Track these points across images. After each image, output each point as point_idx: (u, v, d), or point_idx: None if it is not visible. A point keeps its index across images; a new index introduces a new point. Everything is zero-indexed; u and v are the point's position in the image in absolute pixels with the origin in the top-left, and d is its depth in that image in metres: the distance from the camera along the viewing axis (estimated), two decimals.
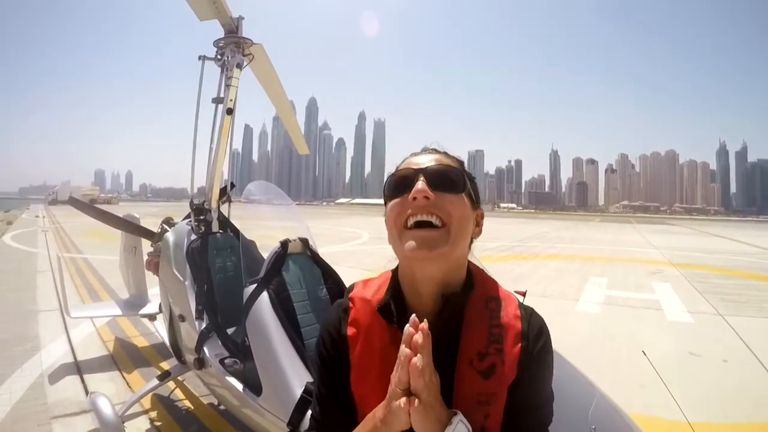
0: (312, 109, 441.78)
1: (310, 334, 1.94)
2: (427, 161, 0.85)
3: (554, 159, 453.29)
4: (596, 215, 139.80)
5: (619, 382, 3.68)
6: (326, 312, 2.04)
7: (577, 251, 15.21)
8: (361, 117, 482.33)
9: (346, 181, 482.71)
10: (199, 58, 2.90)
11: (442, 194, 0.80)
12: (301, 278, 2.08)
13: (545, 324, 0.86)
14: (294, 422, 1.52)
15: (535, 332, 0.83)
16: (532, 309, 0.87)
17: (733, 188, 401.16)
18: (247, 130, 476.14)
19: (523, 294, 1.80)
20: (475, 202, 0.88)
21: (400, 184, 0.83)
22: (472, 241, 0.89)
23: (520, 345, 0.80)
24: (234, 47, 2.81)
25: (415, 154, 0.89)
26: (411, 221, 0.79)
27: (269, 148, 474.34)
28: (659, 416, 3.02)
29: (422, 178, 0.80)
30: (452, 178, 0.82)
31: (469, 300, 0.84)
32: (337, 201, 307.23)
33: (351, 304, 0.90)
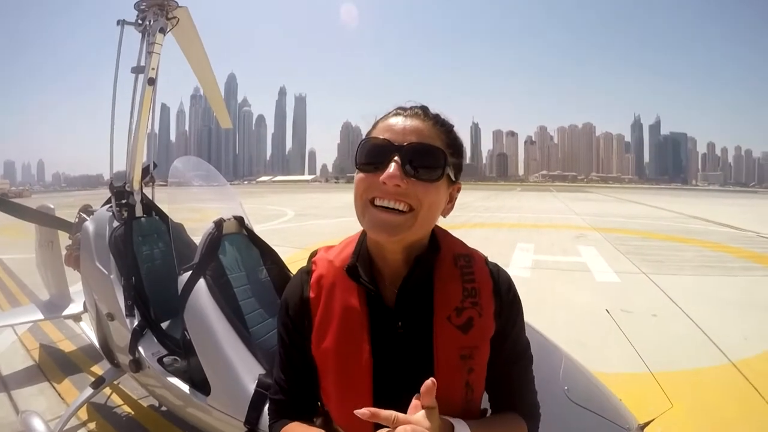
0: (231, 85, 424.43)
1: (254, 321, 1.81)
2: (409, 132, 0.74)
3: (475, 131, 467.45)
4: (517, 184, 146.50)
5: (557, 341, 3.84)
6: (268, 295, 1.94)
7: (502, 219, 15.79)
8: (282, 92, 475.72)
9: (267, 158, 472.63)
10: (118, 22, 2.58)
11: (417, 182, 0.73)
12: (239, 260, 1.93)
13: (510, 276, 0.89)
14: (252, 420, 1.39)
15: (505, 285, 0.86)
16: (496, 264, 0.90)
17: (646, 158, 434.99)
18: (164, 110, 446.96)
19: None
20: (454, 179, 0.81)
21: (373, 155, 0.75)
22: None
23: (494, 297, 0.83)
24: (157, 9, 2.52)
25: (398, 112, 0.79)
26: (377, 202, 0.74)
27: (187, 128, 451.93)
28: (620, 372, 3.22)
29: (397, 161, 0.72)
30: (432, 163, 0.74)
31: (437, 259, 0.83)
32: (258, 179, 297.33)
33: (314, 267, 0.88)
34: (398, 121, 0.76)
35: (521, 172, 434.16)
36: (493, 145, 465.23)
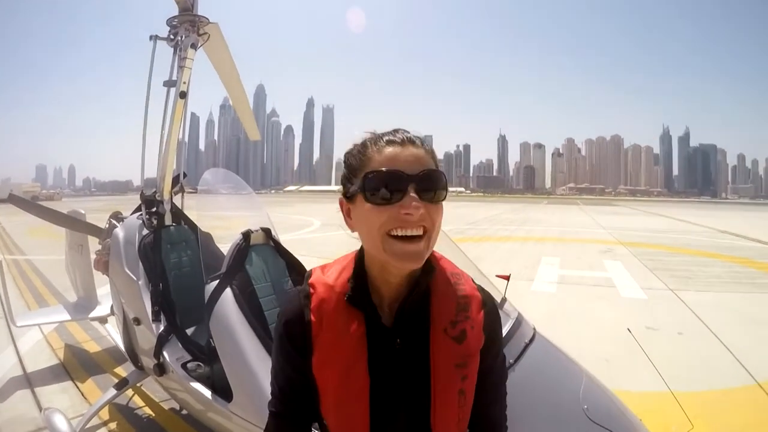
0: (260, 96, 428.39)
1: None
2: (413, 161, 0.77)
3: (502, 143, 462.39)
4: (544, 197, 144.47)
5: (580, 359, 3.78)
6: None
7: (528, 233, 15.68)
8: (310, 103, 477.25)
9: (295, 168, 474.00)
10: (151, 38, 2.67)
11: (430, 205, 0.76)
12: (265, 271, 1.97)
13: (491, 294, 0.96)
14: None
15: (489, 301, 0.92)
16: (479, 285, 0.94)
17: (675, 171, 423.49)
18: (194, 119, 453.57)
19: (507, 278, 1.78)
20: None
21: (388, 187, 0.75)
22: None
23: (482, 311, 0.88)
24: (189, 26, 2.60)
25: (391, 141, 0.80)
26: (398, 233, 0.75)
27: (216, 137, 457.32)
28: (641, 390, 3.16)
29: (413, 190, 0.75)
30: (440, 187, 0.78)
31: (433, 277, 0.87)
32: (285, 189, 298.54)
33: (312, 290, 0.88)
34: (398, 151, 0.78)
35: (548, 184, 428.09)
36: (520, 157, 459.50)
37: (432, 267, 0.87)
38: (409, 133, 0.82)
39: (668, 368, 3.62)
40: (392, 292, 0.85)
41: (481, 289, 0.92)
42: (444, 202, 0.80)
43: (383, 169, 0.77)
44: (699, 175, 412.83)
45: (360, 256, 0.87)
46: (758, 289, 6.82)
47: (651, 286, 6.94)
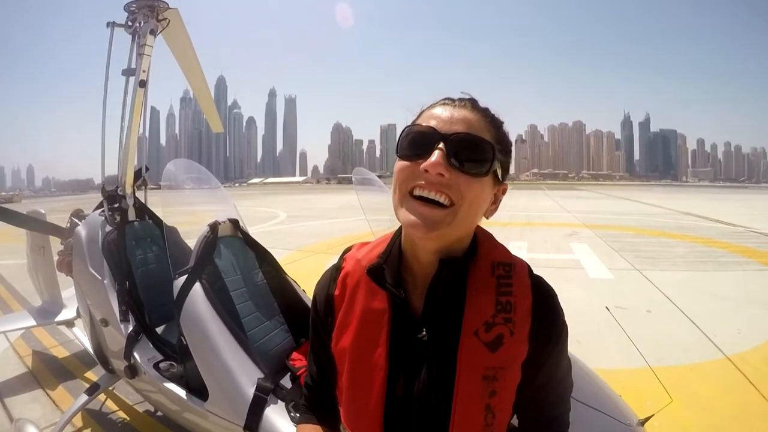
0: (221, 87, 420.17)
1: (251, 324, 1.80)
2: (456, 122, 0.70)
3: None
4: (508, 183, 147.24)
5: None
6: (265, 298, 1.93)
7: (494, 218, 15.68)
8: (272, 94, 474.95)
9: (258, 160, 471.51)
10: (108, 24, 2.54)
11: (461, 174, 0.68)
12: (234, 264, 1.92)
13: (555, 293, 0.80)
14: (251, 425, 1.40)
15: (547, 302, 0.77)
16: (540, 277, 0.80)
17: (636, 155, 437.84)
18: (154, 113, 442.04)
19: None
20: (500, 178, 0.76)
21: (416, 142, 0.70)
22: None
23: (531, 315, 0.74)
24: (147, 11, 2.47)
25: (446, 102, 0.74)
26: (417, 192, 0.69)
27: (177, 131, 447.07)
28: (614, 368, 3.23)
29: (442, 148, 0.67)
30: (479, 156, 0.69)
31: (472, 266, 0.76)
32: (249, 181, 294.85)
33: (343, 265, 0.85)
34: (445, 111, 0.72)
35: (512, 171, 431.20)
36: None
37: (473, 252, 0.78)
38: (476, 100, 0.75)
39: (639, 345, 3.73)
40: (423, 272, 0.76)
41: (537, 286, 0.77)
42: None
43: (417, 124, 0.73)
44: (660, 159, 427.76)
45: (399, 231, 0.80)
46: (721, 267, 7.09)
47: (618, 266, 7.13)
